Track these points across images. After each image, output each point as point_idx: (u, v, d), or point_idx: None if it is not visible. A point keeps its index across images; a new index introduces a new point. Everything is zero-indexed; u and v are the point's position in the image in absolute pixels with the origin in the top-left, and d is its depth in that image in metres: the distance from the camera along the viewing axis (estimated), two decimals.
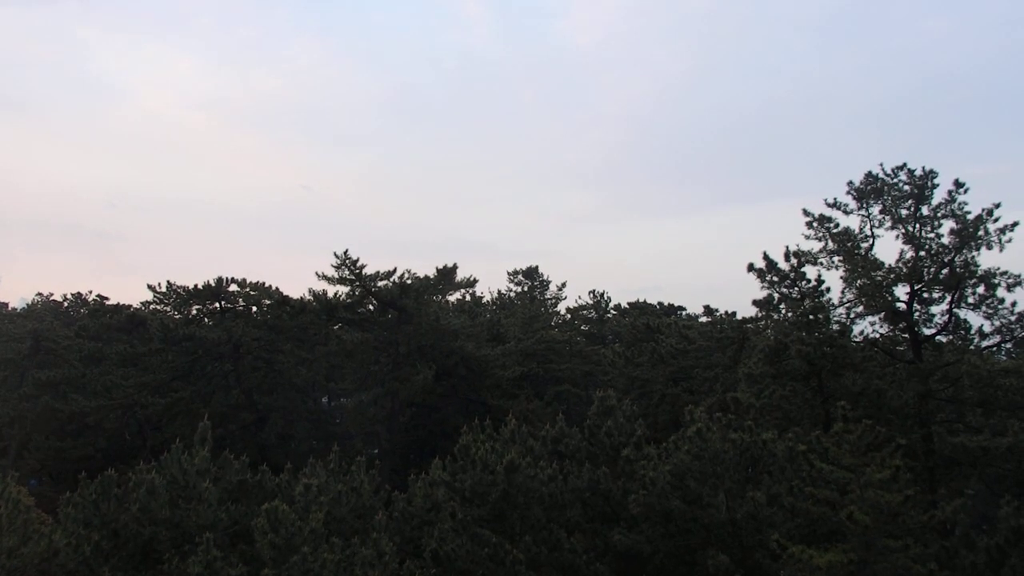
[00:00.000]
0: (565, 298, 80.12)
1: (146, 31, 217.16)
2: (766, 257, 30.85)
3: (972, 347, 29.14)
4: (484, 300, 74.98)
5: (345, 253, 42.12)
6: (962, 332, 29.47)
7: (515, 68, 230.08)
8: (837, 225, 31.42)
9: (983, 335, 29.03)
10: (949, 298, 29.14)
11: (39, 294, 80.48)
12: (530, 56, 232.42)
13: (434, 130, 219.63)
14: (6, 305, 75.52)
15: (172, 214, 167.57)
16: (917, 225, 30.34)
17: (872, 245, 30.97)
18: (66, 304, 78.01)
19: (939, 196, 30.00)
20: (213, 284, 46.08)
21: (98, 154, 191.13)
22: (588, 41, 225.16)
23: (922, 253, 29.66)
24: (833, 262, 31.14)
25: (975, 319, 29.16)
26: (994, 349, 30.71)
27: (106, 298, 64.41)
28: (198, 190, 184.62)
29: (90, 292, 76.01)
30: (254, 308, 48.97)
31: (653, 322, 47.21)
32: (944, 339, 29.99)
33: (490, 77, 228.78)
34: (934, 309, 29.64)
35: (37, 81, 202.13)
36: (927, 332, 29.97)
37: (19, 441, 43.36)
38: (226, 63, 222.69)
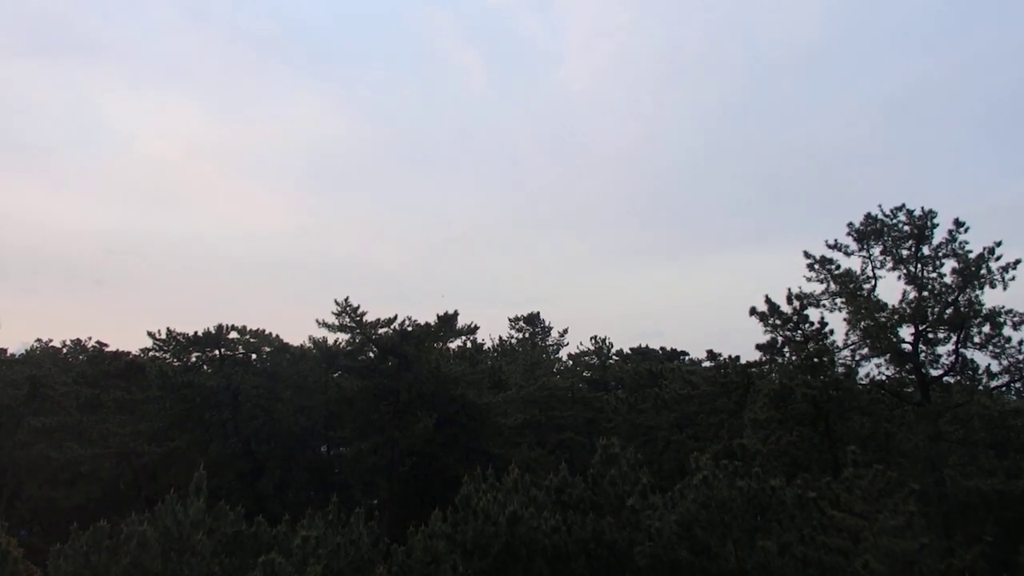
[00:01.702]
0: (567, 344, 79.60)
1: (150, 81, 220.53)
2: (768, 300, 30.64)
3: (981, 387, 28.73)
4: (485, 347, 74.43)
5: (346, 300, 42.04)
6: (969, 372, 29.11)
7: (511, 115, 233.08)
8: (838, 267, 31.29)
9: (991, 375, 28.64)
10: (955, 338, 28.84)
11: (38, 340, 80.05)
12: (526, 103, 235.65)
13: (432, 176, 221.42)
14: (5, 351, 74.95)
15: (172, 260, 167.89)
16: (919, 265, 30.19)
17: (874, 286, 30.81)
18: (65, 350, 77.56)
19: (939, 236, 29.94)
20: (213, 331, 45.84)
21: (98, 200, 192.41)
22: (583, 88, 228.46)
23: (925, 293, 29.44)
24: (836, 304, 30.93)
25: (982, 359, 28.86)
26: (1003, 389, 30.27)
27: (105, 344, 63.94)
28: (198, 236, 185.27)
29: (89, 338, 75.61)
30: (254, 355, 48.66)
31: (656, 367, 46.77)
32: (952, 380, 29.62)
33: (486, 124, 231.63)
34: (940, 349, 29.36)
35: (39, 127, 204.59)
36: (934, 373, 29.60)
37: (11, 490, 42.60)
38: (228, 112, 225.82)
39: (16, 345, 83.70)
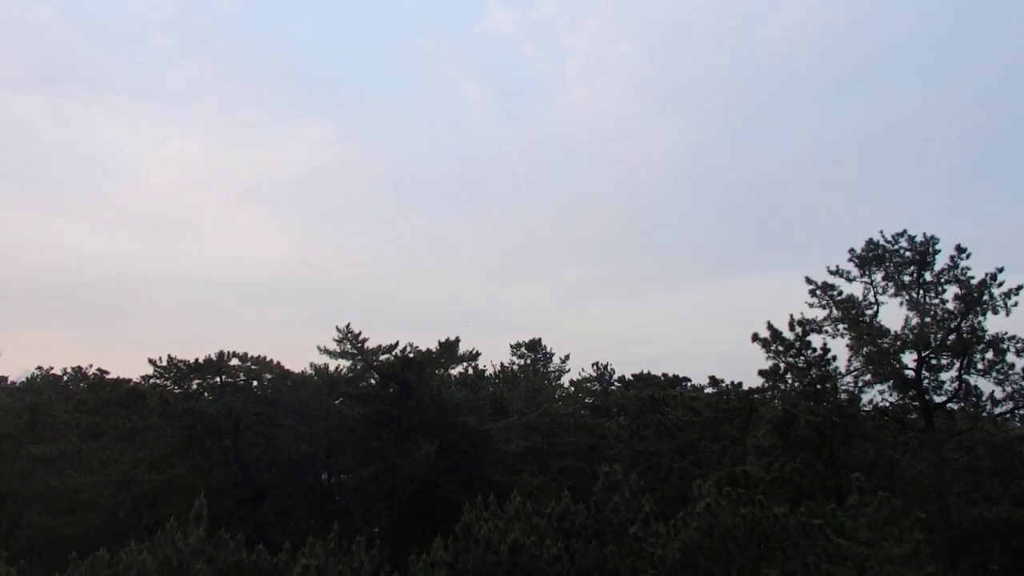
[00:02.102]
0: (568, 371, 79.42)
1: (152, 111, 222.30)
2: (770, 327, 30.62)
3: (985, 414, 28.62)
4: (487, 373, 74.26)
5: (347, 327, 42.04)
6: (973, 399, 29.02)
7: (512, 143, 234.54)
8: (840, 293, 31.29)
9: (995, 401, 28.54)
10: (958, 364, 28.78)
11: (39, 368, 79.83)
12: (527, 132, 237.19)
13: (434, 206, 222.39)
14: (5, 379, 74.86)
15: (173, 288, 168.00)
16: (921, 291, 30.22)
17: (877, 312, 30.80)
18: (66, 378, 77.37)
19: (941, 262, 30.00)
20: (214, 358, 45.79)
21: (100, 228, 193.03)
22: (584, 117, 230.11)
23: (927, 319, 29.42)
24: (838, 330, 30.88)
25: (986, 385, 28.77)
26: (1008, 416, 30.15)
27: (106, 372, 63.90)
28: (199, 264, 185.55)
29: (90, 366, 75.41)
30: (255, 382, 48.55)
31: (658, 394, 46.58)
32: (956, 406, 29.52)
33: (489, 154, 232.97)
34: (943, 376, 29.27)
35: (40, 157, 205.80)
36: (938, 399, 29.49)
37: (10, 518, 42.33)
38: (229, 141, 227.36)
39: (17, 373, 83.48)
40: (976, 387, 28.84)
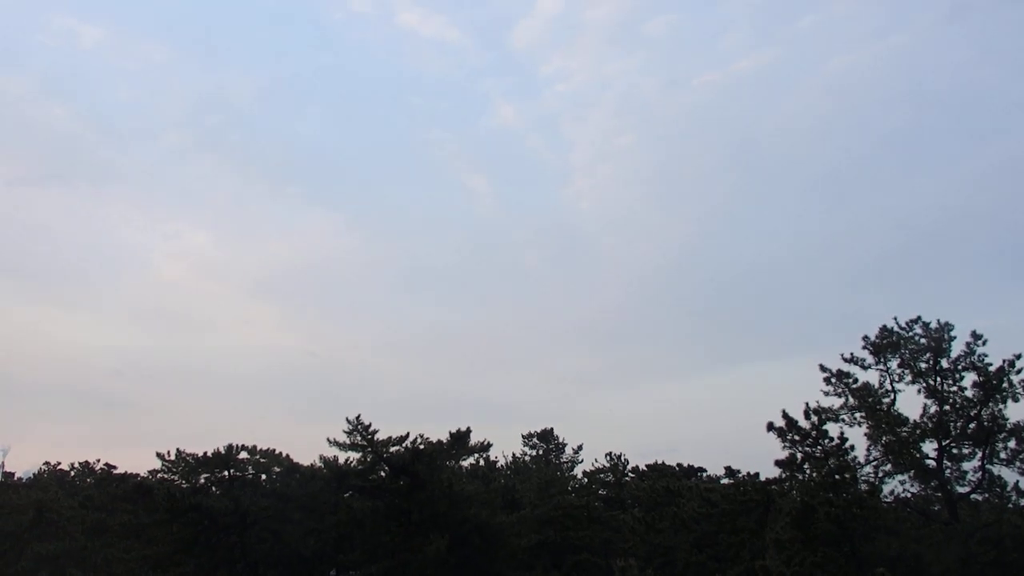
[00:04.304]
0: (581, 461, 78.04)
1: (164, 206, 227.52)
2: (785, 415, 30.25)
3: (1011, 505, 27.89)
4: (498, 464, 73.10)
5: (357, 418, 41.89)
6: (998, 489, 28.39)
7: (520, 234, 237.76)
8: (856, 380, 31.06)
9: (1020, 492, 27.86)
10: (980, 454, 28.29)
11: (46, 463, 79.19)
12: (534, 222, 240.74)
13: (442, 295, 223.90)
14: (12, 475, 74.28)
15: (182, 381, 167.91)
16: (938, 378, 29.94)
17: (894, 400, 30.49)
18: (73, 473, 76.65)
19: (957, 348, 29.85)
20: (223, 451, 45.41)
21: (108, 322, 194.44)
22: (590, 207, 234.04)
23: (946, 407, 29.08)
24: (855, 418, 30.53)
25: (1010, 475, 28.18)
26: None
27: (114, 467, 63.53)
28: (208, 357, 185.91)
29: (98, 461, 74.86)
30: (263, 476, 47.96)
31: (673, 485, 45.74)
32: (980, 497, 28.85)
33: (496, 243, 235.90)
34: (966, 466, 28.77)
35: (50, 251, 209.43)
36: (961, 490, 28.85)
37: None
38: (239, 235, 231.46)
39: (24, 469, 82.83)
40: (1000, 477, 28.31)
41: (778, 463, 30.40)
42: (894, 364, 30.95)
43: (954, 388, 29.64)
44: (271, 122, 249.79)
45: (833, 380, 31.19)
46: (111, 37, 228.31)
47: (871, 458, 29.63)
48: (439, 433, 47.40)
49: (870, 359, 31.33)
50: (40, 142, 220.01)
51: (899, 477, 29.33)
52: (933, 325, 30.46)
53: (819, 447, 29.62)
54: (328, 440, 42.78)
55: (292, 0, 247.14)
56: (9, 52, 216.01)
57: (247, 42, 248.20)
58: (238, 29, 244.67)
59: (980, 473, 28.30)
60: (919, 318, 30.74)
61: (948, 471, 28.59)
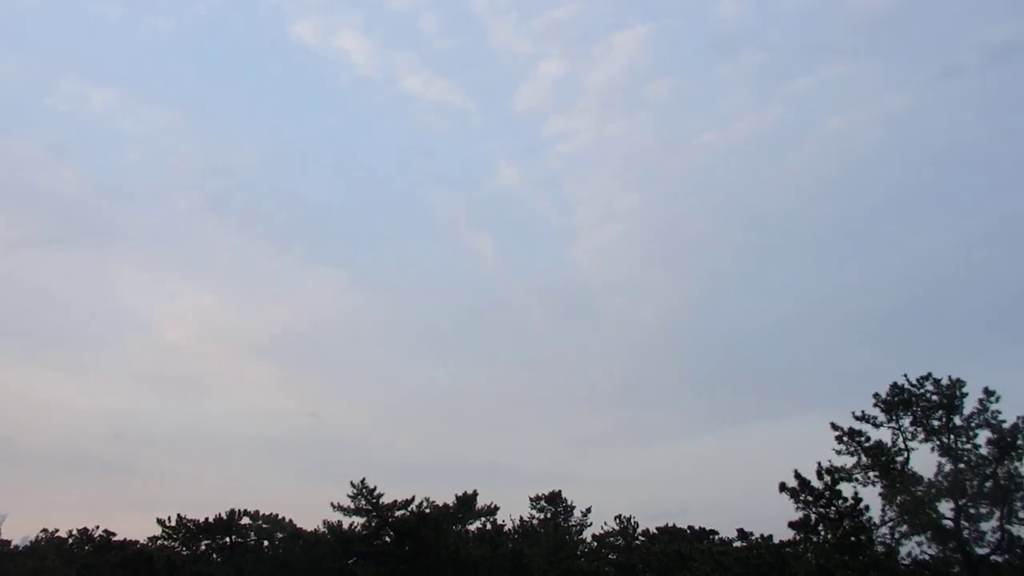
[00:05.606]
0: (591, 524, 76.44)
1: (167, 267, 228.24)
2: (798, 476, 29.77)
3: None
4: (506, 528, 71.68)
5: (362, 482, 41.39)
6: (1018, 551, 27.63)
7: (523, 292, 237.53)
8: (868, 439, 30.62)
9: None
10: (998, 513, 27.65)
11: (43, 530, 77.71)
12: (538, 282, 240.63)
13: (446, 355, 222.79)
14: (8, 543, 72.87)
15: (182, 443, 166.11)
16: (951, 436, 29.52)
17: (907, 459, 30.02)
18: (71, 540, 75.19)
19: (970, 405, 29.47)
20: (224, 517, 44.71)
21: (107, 383, 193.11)
22: (594, 267, 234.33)
23: (961, 465, 28.54)
24: (869, 477, 30.00)
25: None
26: None
27: (113, 533, 62.16)
28: (208, 419, 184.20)
29: (96, 527, 73.33)
30: (265, 542, 47.07)
31: (685, 549, 44.75)
32: (1000, 559, 28.06)
33: (500, 303, 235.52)
34: (984, 526, 28.11)
35: (51, 313, 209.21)
36: (980, 551, 28.13)
37: None
38: (242, 295, 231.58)
39: (20, 537, 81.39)
40: (1020, 538, 27.57)
41: (791, 524, 29.82)
42: (906, 422, 30.54)
43: (968, 446, 29.19)
44: (276, 183, 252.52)
45: (845, 438, 30.74)
46: (120, 100, 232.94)
47: (886, 518, 28.99)
48: (445, 496, 46.72)
49: (882, 417, 30.96)
50: (45, 205, 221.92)
51: (916, 538, 28.62)
52: (944, 382, 30.14)
53: (833, 508, 29.06)
54: (332, 504, 42.23)
55: (299, 65, 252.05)
56: (18, 116, 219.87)
57: (254, 106, 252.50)
58: (245, 93, 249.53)
59: (999, 533, 27.61)
60: (930, 375, 30.46)
61: (966, 532, 27.90)
